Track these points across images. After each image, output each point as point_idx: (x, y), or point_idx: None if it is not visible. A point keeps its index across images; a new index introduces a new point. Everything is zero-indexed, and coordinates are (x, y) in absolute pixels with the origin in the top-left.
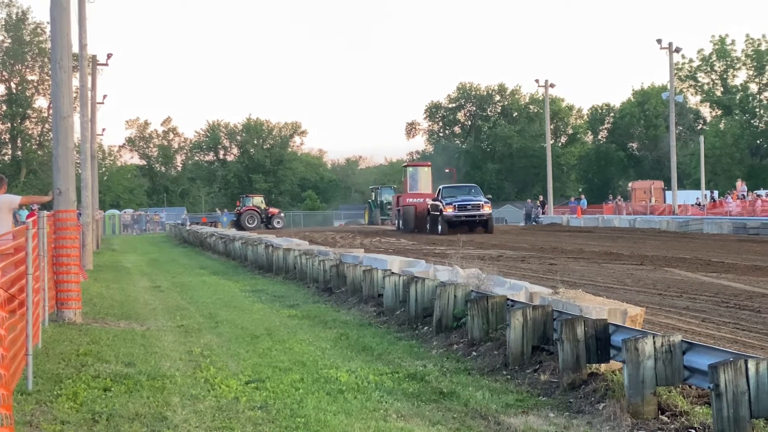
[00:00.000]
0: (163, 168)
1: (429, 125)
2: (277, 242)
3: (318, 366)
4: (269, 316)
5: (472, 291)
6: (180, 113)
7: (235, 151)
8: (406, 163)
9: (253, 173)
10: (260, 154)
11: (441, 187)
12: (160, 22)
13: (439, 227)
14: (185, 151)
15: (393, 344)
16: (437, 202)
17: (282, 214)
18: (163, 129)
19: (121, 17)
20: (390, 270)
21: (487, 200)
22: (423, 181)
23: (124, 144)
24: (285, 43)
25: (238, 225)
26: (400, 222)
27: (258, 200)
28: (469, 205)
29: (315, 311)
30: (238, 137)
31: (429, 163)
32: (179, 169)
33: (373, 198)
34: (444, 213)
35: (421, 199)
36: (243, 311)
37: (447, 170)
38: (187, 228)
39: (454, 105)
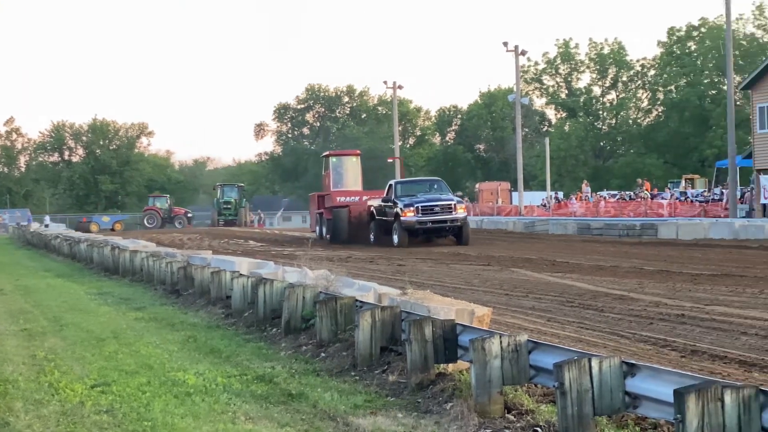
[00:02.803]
0: (5, 169)
1: (278, 126)
2: (123, 244)
3: (165, 369)
4: (115, 319)
5: (320, 292)
6: (23, 113)
7: (80, 152)
8: (327, 152)
9: (99, 174)
10: (106, 155)
11: (393, 182)
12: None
13: (395, 237)
14: (29, 152)
15: (241, 346)
16: (389, 204)
17: (189, 215)
18: (6, 129)
19: None
20: (238, 272)
21: (459, 199)
22: (351, 174)
23: None
24: (131, 42)
25: (143, 225)
26: (324, 229)
27: (162, 201)
28: (437, 206)
29: (162, 313)
30: (84, 138)
31: (358, 152)
32: (23, 170)
33: (217, 197)
34: (403, 218)
35: (355, 198)
36: (89, 314)
37: (390, 160)
38: (32, 230)
39: (302, 106)
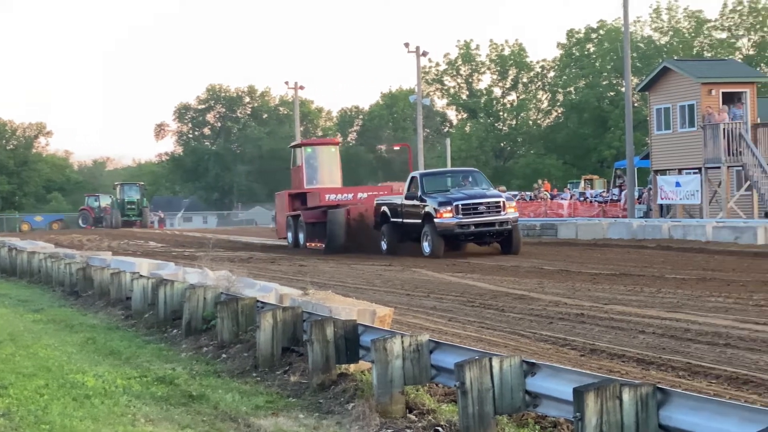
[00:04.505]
0: None
1: (178, 126)
2: (21, 245)
3: (64, 371)
4: (12, 321)
5: (222, 293)
6: None
7: None
8: (298, 141)
9: None
10: (3, 155)
11: (418, 174)
12: None
13: (426, 244)
14: None
15: (141, 348)
16: (414, 202)
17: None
18: None
19: None
20: (139, 273)
21: (509, 195)
22: (328, 168)
23: None
24: (29, 40)
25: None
26: (301, 235)
27: (103, 200)
28: (482, 204)
29: (61, 315)
30: None
31: (337, 140)
32: None
33: (116, 196)
34: (437, 220)
35: (348, 195)
36: None
37: (396, 147)
38: None
39: (203, 106)
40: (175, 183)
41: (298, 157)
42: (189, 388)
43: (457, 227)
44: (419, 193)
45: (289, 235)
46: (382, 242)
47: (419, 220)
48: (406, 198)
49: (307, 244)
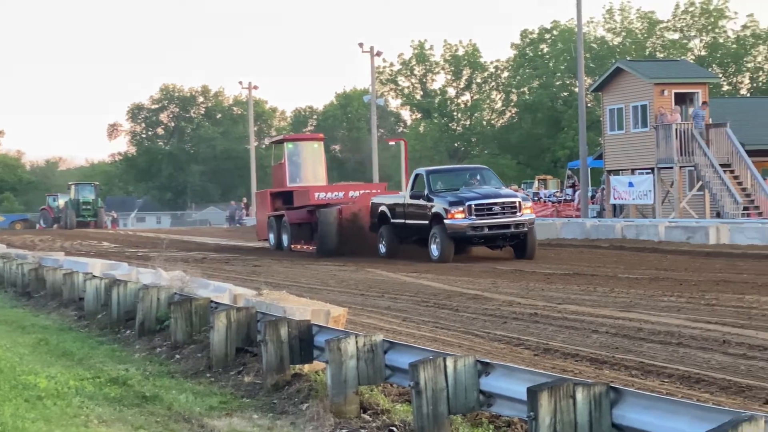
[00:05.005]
0: None
1: (131, 126)
2: None
3: (16, 372)
4: None
5: (175, 293)
6: None
7: None
8: (277, 137)
9: None
10: None
11: (423, 171)
12: None
13: (434, 247)
14: None
15: (94, 348)
16: (419, 201)
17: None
18: None
19: None
20: (92, 273)
21: (524, 195)
22: (312, 164)
23: None
24: None
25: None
26: (286, 237)
27: (62, 200)
28: (497, 204)
29: (12, 316)
30: None
31: (322, 136)
32: None
33: (71, 197)
34: (447, 221)
35: (339, 194)
36: None
37: (391, 142)
38: None
39: (157, 106)
40: (128, 183)
41: (282, 152)
42: (142, 389)
43: (469, 229)
44: (426, 192)
45: (271, 236)
46: (381, 245)
47: (426, 221)
48: (411, 197)
49: (292, 246)
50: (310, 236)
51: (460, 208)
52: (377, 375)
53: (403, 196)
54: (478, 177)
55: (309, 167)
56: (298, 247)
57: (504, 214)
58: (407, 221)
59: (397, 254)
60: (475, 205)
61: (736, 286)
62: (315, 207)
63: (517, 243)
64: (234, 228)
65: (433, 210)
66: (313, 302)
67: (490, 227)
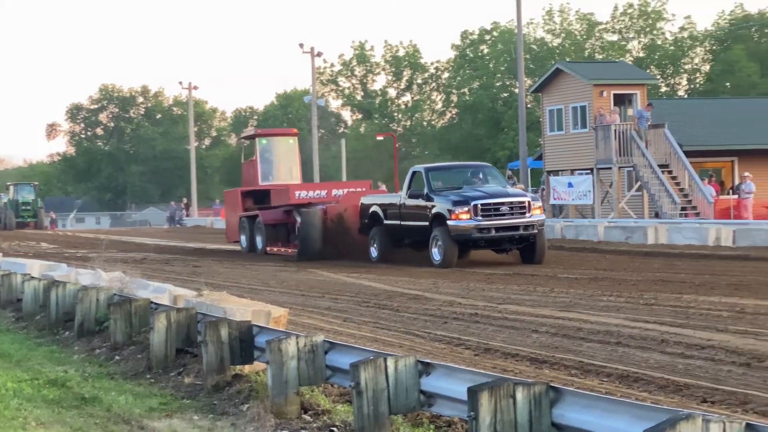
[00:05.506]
0: None
1: (70, 126)
2: None
3: None
4: None
5: (115, 294)
6: None
7: None
8: (248, 132)
9: None
10: None
11: (422, 168)
12: None
13: (435, 251)
14: None
15: (33, 350)
16: (419, 201)
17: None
18: None
19: None
20: (30, 274)
21: (533, 194)
22: (285, 161)
23: None
24: None
25: None
26: (260, 239)
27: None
28: (505, 204)
29: None
30: None
31: (295, 131)
32: None
33: (10, 197)
34: (451, 222)
35: (321, 192)
36: None
37: (380, 137)
38: None
39: (96, 106)
40: (67, 184)
41: (251, 149)
42: (81, 391)
43: (475, 231)
44: (426, 191)
45: (243, 238)
46: (372, 248)
47: (425, 223)
48: (410, 196)
49: (268, 249)
50: (287, 238)
51: (465, 208)
52: (318, 375)
53: (399, 196)
54: (480, 175)
55: (283, 164)
56: (275, 249)
57: (512, 214)
58: (403, 223)
59: (391, 259)
60: (482, 204)
61: (674, 285)
62: (294, 207)
63: (525, 246)
64: (174, 228)
65: (435, 210)
66: (253, 303)
67: (498, 229)
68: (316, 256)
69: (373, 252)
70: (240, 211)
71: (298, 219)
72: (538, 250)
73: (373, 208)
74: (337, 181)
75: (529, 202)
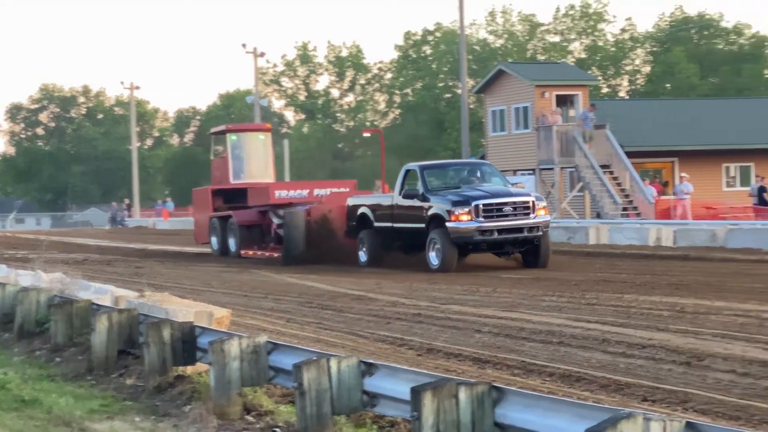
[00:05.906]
0: None
1: (10, 126)
2: None
3: None
4: None
5: (55, 295)
6: None
7: None
8: (218, 128)
9: None
10: None
11: (417, 167)
12: None
13: (433, 255)
14: None
15: None
16: (414, 201)
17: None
18: None
19: None
20: None
21: (538, 195)
22: (258, 158)
23: None
24: None
25: None
26: (233, 241)
27: None
28: (508, 204)
29: None
30: None
31: (269, 126)
32: None
33: None
34: (451, 224)
35: (303, 191)
36: None
37: (366, 134)
38: None
39: (36, 106)
40: (7, 184)
41: (225, 144)
42: (21, 393)
43: (477, 233)
44: (421, 191)
45: (214, 240)
46: (361, 252)
47: (421, 225)
48: (404, 197)
49: (242, 252)
50: (262, 240)
51: (466, 209)
52: (261, 376)
53: (390, 196)
54: (479, 173)
55: (255, 161)
56: (250, 253)
57: (516, 215)
58: (396, 225)
59: (383, 263)
60: (483, 205)
61: (615, 285)
62: (271, 207)
63: (529, 249)
64: (116, 229)
65: (432, 211)
66: (196, 303)
67: (500, 231)
68: (299, 260)
69: (362, 256)
70: (210, 211)
71: (275, 220)
72: (542, 253)
73: (361, 210)
74: (320, 180)
75: (533, 202)
